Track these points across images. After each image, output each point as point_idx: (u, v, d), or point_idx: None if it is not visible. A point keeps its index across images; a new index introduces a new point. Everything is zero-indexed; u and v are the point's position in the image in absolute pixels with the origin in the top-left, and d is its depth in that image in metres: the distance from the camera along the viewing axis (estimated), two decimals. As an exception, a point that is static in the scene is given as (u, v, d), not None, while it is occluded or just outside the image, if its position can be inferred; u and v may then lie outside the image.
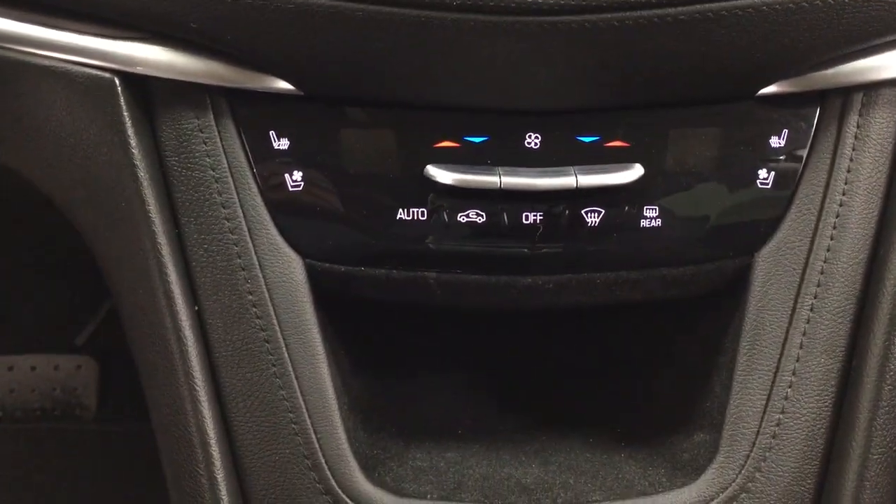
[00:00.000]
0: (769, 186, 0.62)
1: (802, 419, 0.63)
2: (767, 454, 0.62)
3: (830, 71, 0.59)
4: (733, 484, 0.62)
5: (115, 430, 1.57)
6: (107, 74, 0.59)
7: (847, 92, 0.61)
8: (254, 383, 0.62)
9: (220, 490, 0.62)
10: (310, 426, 0.62)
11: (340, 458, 0.62)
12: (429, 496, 0.64)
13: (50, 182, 0.64)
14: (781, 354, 0.63)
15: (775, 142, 0.61)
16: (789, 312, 0.62)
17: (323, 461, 0.62)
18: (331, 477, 0.62)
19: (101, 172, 0.61)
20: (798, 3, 0.53)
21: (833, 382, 0.63)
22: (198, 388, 0.61)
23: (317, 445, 0.62)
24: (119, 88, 0.59)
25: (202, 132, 0.61)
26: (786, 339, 0.63)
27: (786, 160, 0.62)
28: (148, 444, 1.66)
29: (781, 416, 0.62)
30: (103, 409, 1.54)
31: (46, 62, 0.60)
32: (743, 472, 0.62)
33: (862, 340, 0.63)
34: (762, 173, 0.62)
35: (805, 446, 0.63)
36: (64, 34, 0.59)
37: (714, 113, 0.61)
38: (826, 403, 0.63)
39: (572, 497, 0.64)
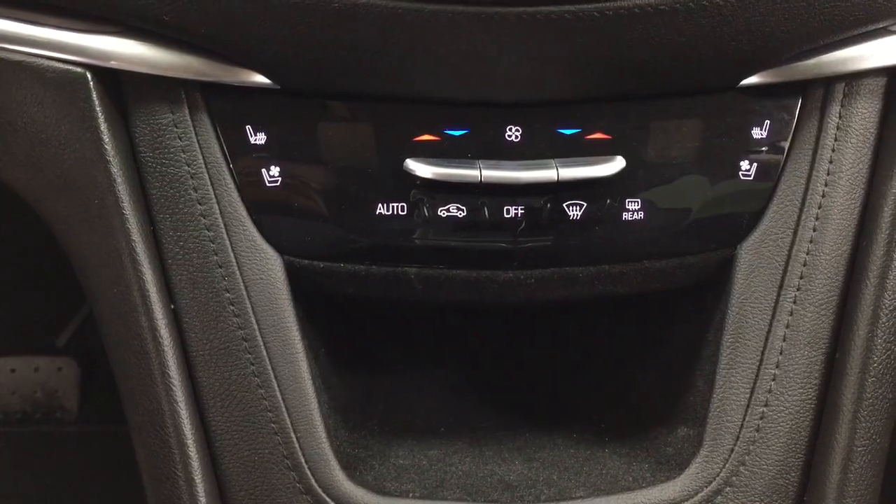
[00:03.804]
0: (751, 178, 0.62)
1: (786, 412, 0.63)
2: (751, 448, 0.62)
3: (812, 61, 0.60)
4: (717, 478, 0.62)
5: (97, 431, 1.56)
6: (79, 69, 0.59)
7: (829, 82, 0.61)
8: (232, 382, 0.62)
9: (197, 492, 0.61)
10: (289, 425, 0.61)
11: (321, 458, 0.62)
12: (411, 494, 0.64)
13: (21, 179, 0.64)
14: (765, 347, 0.63)
15: (757, 133, 0.61)
16: (772, 305, 0.62)
17: (303, 461, 0.61)
18: (311, 476, 0.61)
19: (74, 169, 0.61)
20: None
21: (817, 375, 0.63)
22: (174, 388, 0.61)
23: (296, 445, 0.61)
24: (91, 83, 0.59)
25: (177, 127, 0.60)
26: (769, 331, 0.63)
27: (768, 151, 0.62)
28: (131, 445, 1.66)
29: (765, 409, 0.62)
30: (85, 410, 1.53)
31: (17, 57, 0.59)
32: (727, 465, 0.62)
33: (845, 332, 0.63)
34: (744, 165, 0.62)
35: (789, 439, 0.63)
36: (35, 28, 0.59)
37: (696, 104, 0.61)
38: (810, 396, 0.63)
39: (555, 493, 0.64)
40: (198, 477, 0.62)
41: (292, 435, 0.62)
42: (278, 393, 0.62)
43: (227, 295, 0.61)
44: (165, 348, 0.61)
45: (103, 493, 1.57)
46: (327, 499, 0.62)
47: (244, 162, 0.61)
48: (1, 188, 0.66)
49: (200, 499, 0.62)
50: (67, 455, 1.57)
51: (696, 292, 0.67)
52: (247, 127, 0.60)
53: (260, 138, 0.60)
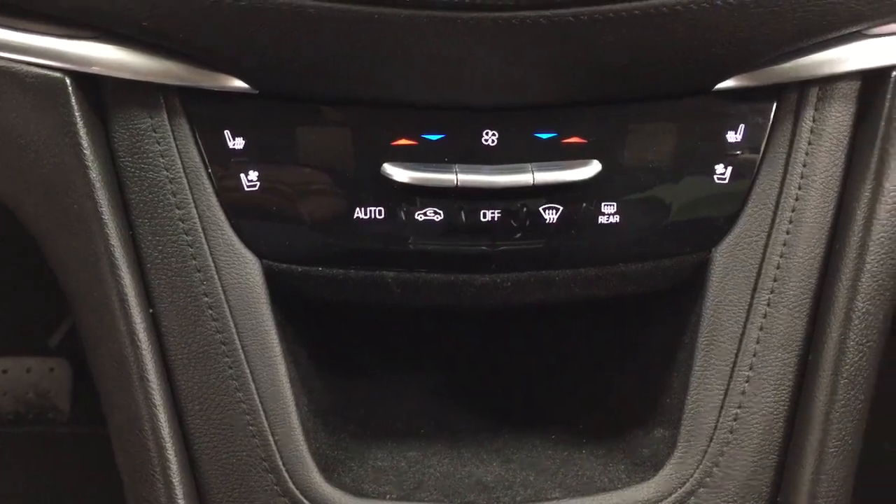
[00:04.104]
0: (726, 181, 0.62)
1: (759, 414, 0.63)
2: (725, 449, 0.63)
3: (787, 65, 0.60)
4: (691, 479, 0.63)
5: (90, 432, 1.53)
6: (57, 74, 0.59)
7: (803, 86, 0.61)
8: (210, 386, 0.62)
9: (175, 494, 0.62)
10: (267, 428, 0.62)
11: (298, 460, 0.62)
12: (388, 496, 0.65)
13: (0, 184, 0.64)
14: (738, 350, 0.63)
15: (732, 136, 0.62)
16: (746, 307, 0.63)
17: (280, 463, 0.62)
18: (289, 479, 0.62)
19: (53, 174, 0.61)
20: None
21: (790, 377, 0.64)
22: (153, 392, 0.61)
23: (274, 448, 0.62)
24: (70, 88, 0.59)
25: (156, 132, 0.60)
26: (743, 334, 0.63)
27: (742, 155, 0.63)
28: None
29: (738, 410, 0.63)
30: (77, 411, 1.53)
31: None
32: (700, 466, 0.63)
33: (818, 335, 0.64)
34: (719, 168, 0.62)
35: (762, 440, 0.64)
36: (13, 33, 0.59)
37: (671, 108, 0.62)
38: (783, 398, 0.64)
39: (532, 494, 0.65)
40: (176, 479, 0.62)
41: (270, 438, 0.62)
42: (256, 396, 0.62)
43: (206, 299, 0.62)
44: (144, 352, 0.61)
45: (98, 493, 1.60)
46: (304, 501, 0.62)
47: (222, 166, 0.61)
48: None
49: (178, 501, 0.61)
50: (60, 455, 1.57)
51: (672, 295, 0.67)
52: (225, 131, 0.60)
53: (238, 143, 0.61)
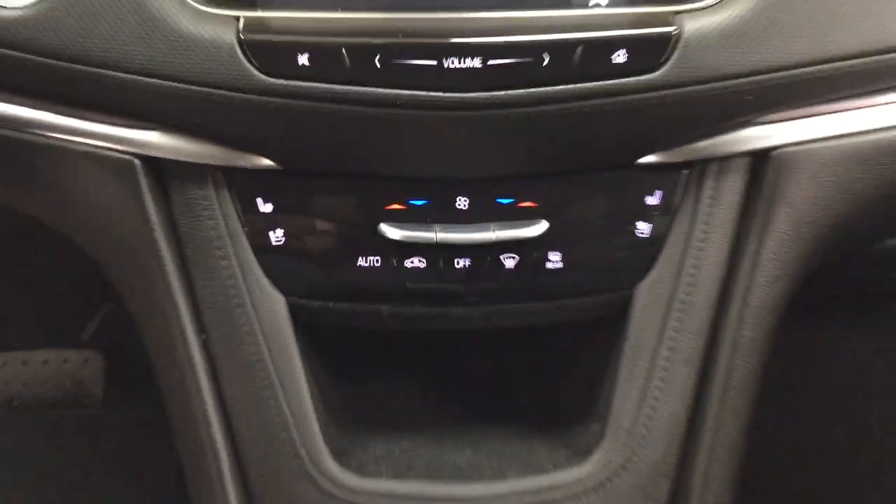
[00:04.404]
0: (646, 236, 0.69)
1: (667, 414, 0.70)
2: (640, 441, 0.70)
3: (693, 146, 0.66)
4: (614, 463, 0.70)
5: (120, 416, 1.63)
6: (128, 156, 0.66)
7: (706, 162, 0.67)
8: (249, 395, 0.69)
9: (224, 475, 0.70)
10: (292, 426, 0.69)
11: (316, 450, 0.69)
12: (384, 476, 0.71)
13: (85, 240, 0.72)
14: (652, 365, 0.69)
15: (650, 200, 0.68)
16: (659, 332, 0.69)
17: (303, 452, 0.69)
18: (309, 463, 0.69)
19: (127, 233, 0.68)
20: (654, 98, 0.59)
21: (691, 386, 0.70)
22: (206, 399, 0.69)
23: (298, 441, 0.69)
24: (138, 167, 0.66)
25: (205, 200, 0.67)
26: (655, 353, 0.69)
27: (659, 215, 0.68)
28: (149, 428, 1.69)
29: (652, 412, 0.70)
30: (109, 397, 1.60)
31: (81, 147, 0.66)
32: (622, 454, 0.70)
33: (713, 355, 0.70)
34: (640, 225, 0.68)
35: (669, 435, 0.70)
36: (94, 124, 0.65)
37: (604, 178, 0.68)
38: (686, 403, 0.70)
39: (494, 474, 0.72)
40: (224, 464, 0.70)
41: (294, 433, 0.69)
42: (283, 402, 0.69)
43: (245, 328, 0.68)
44: (198, 369, 0.69)
45: (125, 470, 1.60)
46: (320, 480, 0.69)
47: (256, 226, 0.68)
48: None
49: (226, 480, 0.69)
50: (94, 437, 1.62)
51: (605, 322, 0.73)
52: (257, 199, 0.67)
53: (268, 207, 0.67)
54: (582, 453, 0.72)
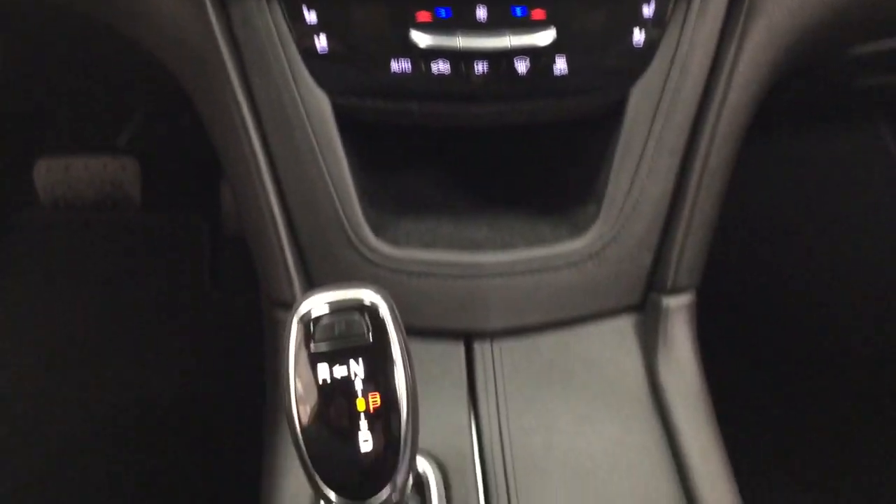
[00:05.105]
0: (640, 44, 0.73)
1: (652, 197, 0.77)
2: (629, 218, 0.77)
3: None
4: (606, 236, 0.77)
5: (157, 219, 1.76)
6: None
7: None
8: (302, 178, 0.75)
9: (284, 247, 0.76)
10: (338, 205, 0.75)
11: (358, 225, 0.76)
12: (413, 246, 0.78)
13: (165, 54, 0.77)
14: (641, 155, 0.76)
15: (646, 12, 0.72)
16: (648, 127, 0.75)
17: (347, 226, 0.76)
18: (353, 235, 0.76)
19: (195, 45, 0.73)
20: None
21: (673, 172, 0.77)
22: (266, 182, 0.76)
23: (343, 217, 0.75)
24: None
25: (259, 11, 0.72)
26: (645, 145, 0.76)
27: (653, 25, 0.73)
28: (181, 230, 1.83)
29: (639, 195, 0.77)
30: (146, 201, 1.71)
31: None
32: (613, 228, 0.77)
33: (693, 146, 0.77)
34: (636, 34, 0.73)
35: (653, 214, 0.78)
36: None
37: None
38: (668, 187, 0.78)
39: (505, 245, 0.79)
40: (284, 239, 0.77)
41: (340, 211, 0.76)
42: (331, 185, 0.75)
43: (296, 122, 0.74)
44: (259, 157, 0.75)
45: (158, 268, 1.75)
46: (362, 248, 0.76)
47: (302, 33, 0.72)
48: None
49: (286, 249, 0.76)
50: (132, 238, 1.75)
51: (604, 119, 0.78)
52: (303, 8, 0.71)
53: (312, 17, 0.72)
54: (580, 229, 0.79)
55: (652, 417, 0.77)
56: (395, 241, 0.78)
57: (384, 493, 0.56)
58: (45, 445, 1.57)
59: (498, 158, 0.93)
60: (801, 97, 1.18)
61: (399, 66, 0.73)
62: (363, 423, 0.54)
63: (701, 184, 0.78)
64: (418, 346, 0.77)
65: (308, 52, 0.74)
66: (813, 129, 1.26)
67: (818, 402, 1.48)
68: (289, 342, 0.53)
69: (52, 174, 1.69)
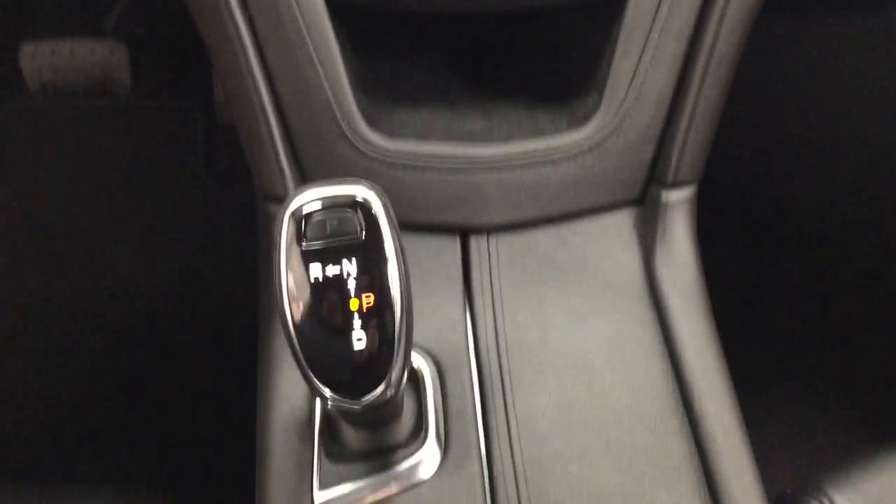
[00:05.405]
0: None
1: (656, 86, 0.76)
2: (631, 109, 0.76)
3: None
4: (607, 128, 0.76)
5: (146, 105, 1.74)
6: None
7: None
8: (293, 68, 0.74)
9: (275, 138, 0.75)
10: (330, 95, 0.74)
11: (351, 115, 0.74)
12: (408, 138, 0.77)
13: None
14: (645, 44, 0.74)
15: None
16: (653, 14, 0.74)
17: (339, 116, 0.74)
18: (346, 127, 0.75)
19: None
20: None
21: (678, 60, 0.75)
22: (255, 72, 0.74)
23: (335, 107, 0.74)
24: None
25: None
26: (649, 32, 0.74)
27: None
28: (174, 118, 1.84)
29: (642, 83, 0.75)
30: (138, 87, 1.67)
31: None
32: (615, 119, 0.76)
33: (698, 32, 0.75)
34: None
35: (656, 106, 0.77)
36: None
37: None
38: (672, 76, 0.76)
39: (503, 137, 0.79)
40: (276, 130, 0.75)
41: (332, 101, 0.74)
42: (322, 74, 0.73)
43: (285, 9, 0.71)
44: (246, 44, 0.73)
45: (149, 156, 1.75)
46: (355, 140, 0.75)
47: None
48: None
49: (277, 140, 0.75)
50: (121, 125, 1.75)
51: (606, 8, 0.76)
52: None
53: None
54: (580, 120, 0.79)
55: (648, 312, 0.78)
56: (389, 133, 0.77)
57: (378, 390, 0.56)
58: (44, 335, 1.59)
59: (496, 47, 0.92)
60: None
61: None
62: (356, 323, 0.53)
63: (707, 72, 0.76)
64: (414, 241, 0.78)
65: None
66: (822, 14, 1.22)
67: (818, 295, 1.49)
68: (280, 239, 0.52)
69: (37, 59, 1.65)
